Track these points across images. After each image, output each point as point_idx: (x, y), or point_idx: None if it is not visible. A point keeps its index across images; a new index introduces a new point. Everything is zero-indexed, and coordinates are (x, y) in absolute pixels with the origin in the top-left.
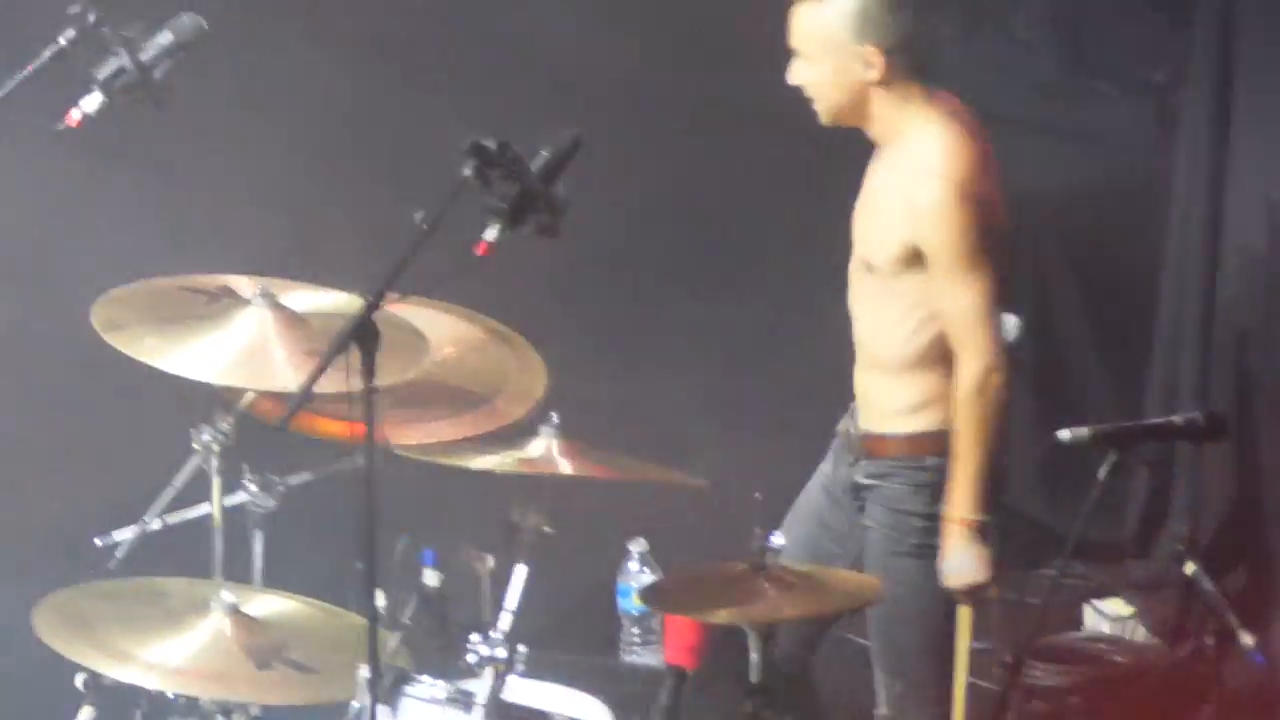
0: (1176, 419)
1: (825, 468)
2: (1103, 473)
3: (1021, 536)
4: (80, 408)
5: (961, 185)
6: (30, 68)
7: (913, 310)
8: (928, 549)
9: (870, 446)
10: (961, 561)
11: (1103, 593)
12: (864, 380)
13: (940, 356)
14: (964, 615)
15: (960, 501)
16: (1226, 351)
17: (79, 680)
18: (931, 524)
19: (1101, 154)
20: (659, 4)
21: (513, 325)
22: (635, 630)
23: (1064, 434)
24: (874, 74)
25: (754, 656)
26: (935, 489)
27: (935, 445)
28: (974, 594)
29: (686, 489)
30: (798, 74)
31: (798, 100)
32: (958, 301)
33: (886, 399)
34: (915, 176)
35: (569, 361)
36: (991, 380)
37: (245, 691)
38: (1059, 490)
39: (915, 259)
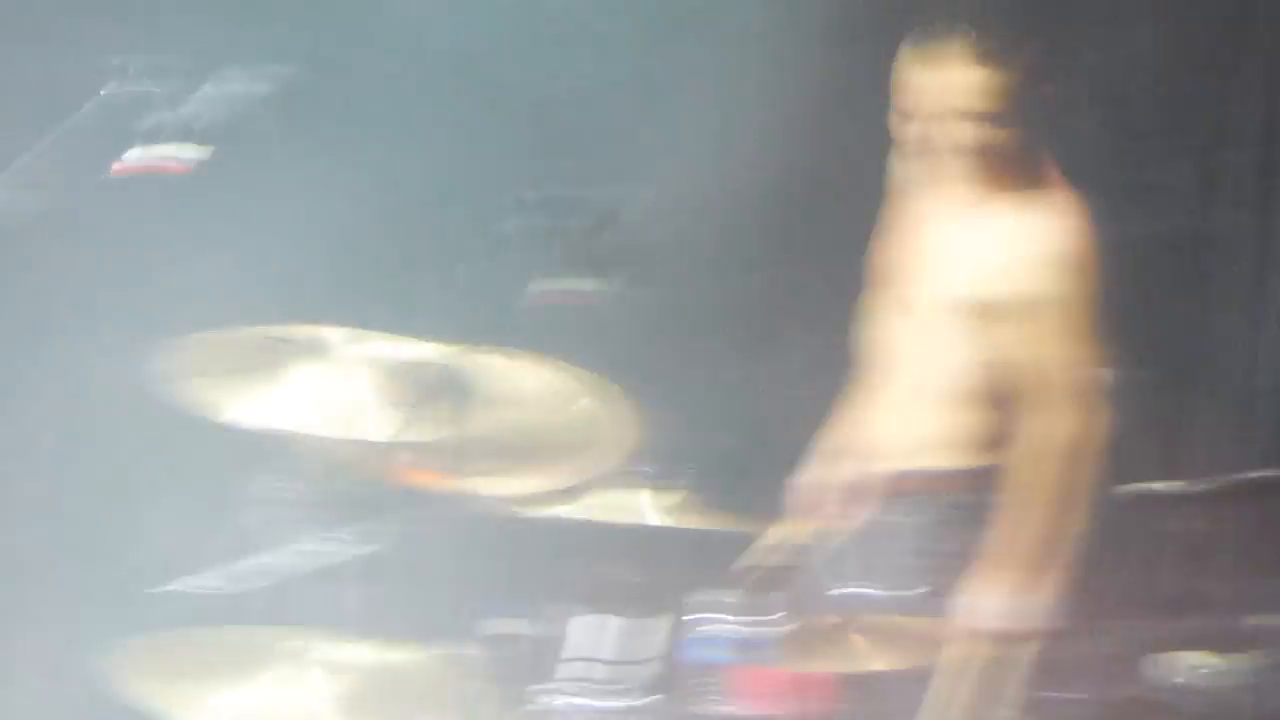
0: None
1: None
2: None
3: None
4: (161, 453)
5: (1088, 246)
6: (70, 120)
7: (979, 351)
8: (948, 588)
9: (894, 484)
10: (996, 603)
11: None
12: (898, 418)
13: (985, 400)
14: None
15: (1007, 549)
16: None
17: None
18: (951, 562)
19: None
20: None
21: (605, 375)
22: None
23: None
24: (1027, 118)
25: None
26: (955, 526)
27: (959, 481)
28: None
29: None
30: (966, 134)
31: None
32: (1064, 355)
33: (920, 437)
34: (1033, 227)
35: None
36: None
37: None
38: None
39: (1006, 305)
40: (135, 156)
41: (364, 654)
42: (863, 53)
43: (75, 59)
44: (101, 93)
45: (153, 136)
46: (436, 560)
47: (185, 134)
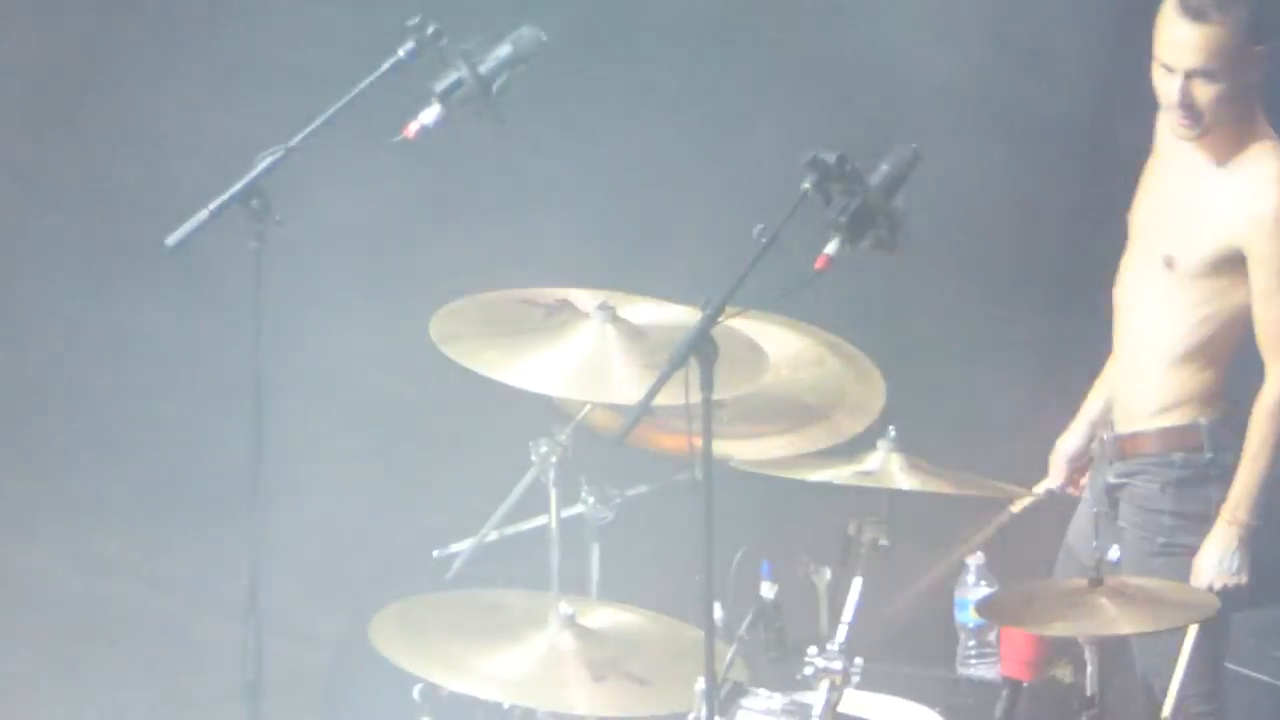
0: None
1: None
2: None
3: None
4: (419, 420)
5: None
6: (369, 79)
7: (1201, 308)
8: (1179, 548)
9: (1124, 446)
10: (1222, 559)
11: None
12: (1128, 379)
13: (1209, 358)
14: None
15: (1237, 501)
16: None
17: (416, 691)
18: (1180, 522)
19: None
20: (985, 14)
21: (851, 339)
22: (971, 643)
23: None
24: (1257, 75)
25: (1090, 669)
26: (1183, 485)
27: (1185, 440)
28: (1225, 595)
29: (1024, 502)
30: (1199, 94)
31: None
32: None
33: (1147, 398)
34: (1257, 184)
35: (908, 375)
36: None
37: (581, 703)
38: None
39: (1229, 262)
40: (430, 116)
41: (613, 616)
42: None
43: (373, 19)
44: (400, 53)
45: (447, 95)
46: (684, 523)
47: (482, 94)
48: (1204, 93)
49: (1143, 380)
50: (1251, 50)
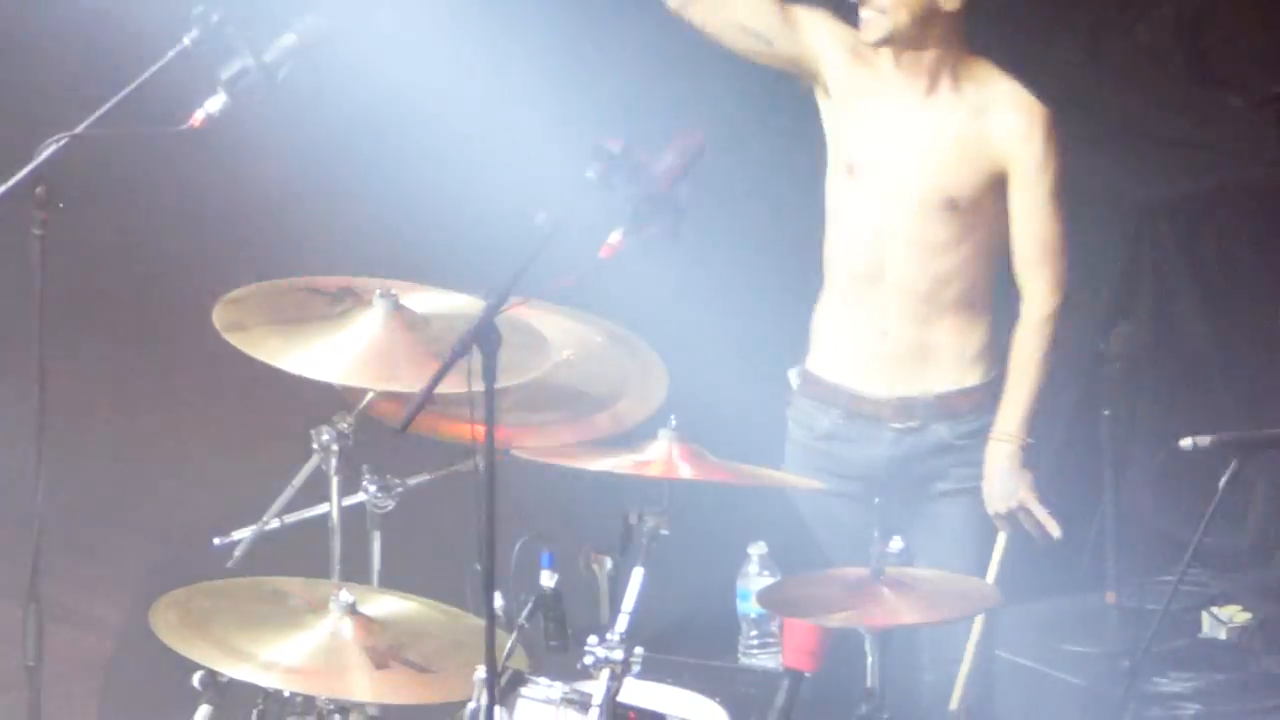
0: None
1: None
2: (1223, 481)
3: (1141, 543)
4: (201, 407)
5: (1050, 118)
6: (154, 67)
7: (988, 245)
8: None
9: (951, 404)
10: (1010, 483)
11: (1221, 600)
12: (925, 333)
13: (992, 300)
14: (1000, 542)
15: (1011, 423)
16: None
17: (196, 679)
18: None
19: (1225, 165)
20: None
21: (633, 329)
22: (753, 634)
23: (1185, 442)
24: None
25: (870, 660)
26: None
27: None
28: (1017, 518)
29: (805, 492)
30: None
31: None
32: (1044, 225)
33: (957, 349)
34: (1004, 105)
35: (689, 364)
36: (1057, 312)
37: (362, 691)
38: (1180, 497)
39: (998, 186)
40: (216, 105)
41: (394, 604)
42: None
43: (158, 7)
44: (185, 40)
45: (233, 84)
46: (465, 511)
47: (267, 82)
48: None
49: (951, 333)
50: None
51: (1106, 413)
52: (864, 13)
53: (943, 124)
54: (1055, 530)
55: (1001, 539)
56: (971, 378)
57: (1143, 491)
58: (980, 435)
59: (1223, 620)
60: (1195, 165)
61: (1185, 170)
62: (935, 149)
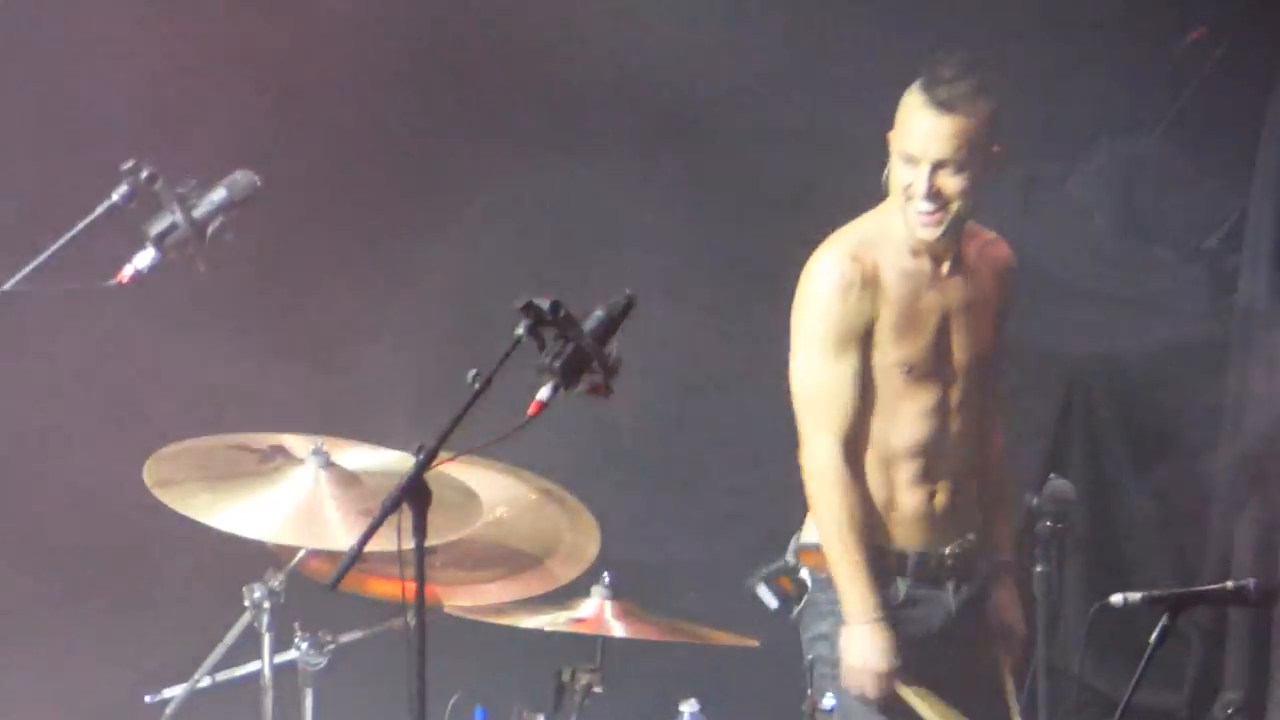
0: (1229, 584)
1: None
2: (1154, 637)
3: (1072, 700)
4: (133, 564)
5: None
6: (83, 223)
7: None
8: None
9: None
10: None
11: None
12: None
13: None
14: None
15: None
16: None
17: None
18: None
19: (1157, 319)
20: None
21: (565, 486)
22: None
23: (1116, 598)
24: (994, 175)
25: None
26: None
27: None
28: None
29: (739, 649)
30: (945, 184)
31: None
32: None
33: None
34: (1008, 270)
35: (622, 522)
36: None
37: None
38: (1111, 654)
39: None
40: (145, 260)
41: None
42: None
43: (88, 162)
44: (114, 196)
45: (161, 239)
46: (397, 669)
47: (196, 238)
48: (950, 184)
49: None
50: (991, 148)
51: (1038, 569)
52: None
53: None
54: None
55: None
56: None
57: (1074, 648)
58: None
59: None
60: (1126, 319)
61: (1116, 325)
62: None
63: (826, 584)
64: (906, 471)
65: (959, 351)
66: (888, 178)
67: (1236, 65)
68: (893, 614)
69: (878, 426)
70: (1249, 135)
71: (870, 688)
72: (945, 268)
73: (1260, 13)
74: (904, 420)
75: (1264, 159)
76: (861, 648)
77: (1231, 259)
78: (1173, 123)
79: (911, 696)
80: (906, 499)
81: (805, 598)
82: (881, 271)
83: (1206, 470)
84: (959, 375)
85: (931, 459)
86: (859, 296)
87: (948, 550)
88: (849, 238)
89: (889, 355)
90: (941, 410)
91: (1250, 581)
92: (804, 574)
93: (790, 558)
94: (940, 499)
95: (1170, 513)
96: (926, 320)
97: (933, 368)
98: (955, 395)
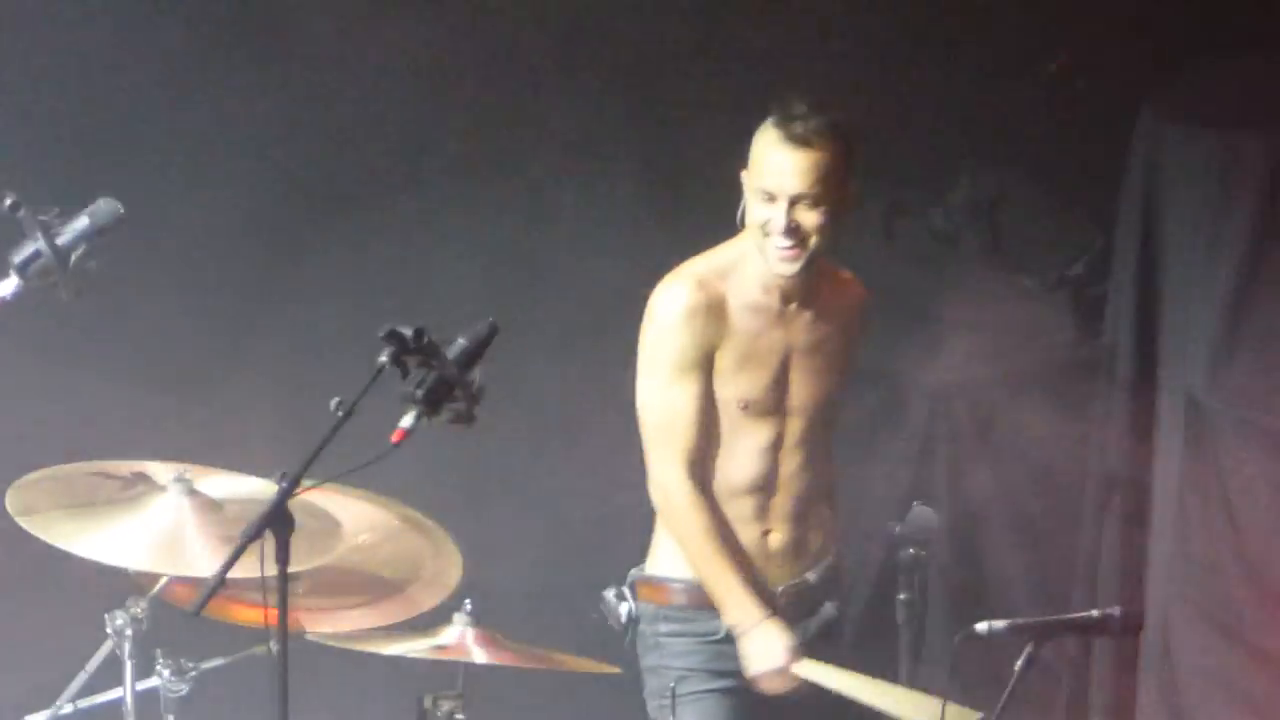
0: (1094, 613)
1: None
2: (1018, 665)
3: None
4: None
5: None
6: None
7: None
8: None
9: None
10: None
11: None
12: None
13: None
14: None
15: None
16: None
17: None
18: None
19: (1020, 348)
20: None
21: (428, 513)
22: None
23: (981, 626)
24: (849, 212)
25: None
26: None
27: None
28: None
29: (602, 676)
30: (804, 219)
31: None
32: None
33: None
34: (860, 311)
35: (485, 550)
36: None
37: None
38: (977, 685)
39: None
40: (7, 288)
41: None
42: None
43: None
44: None
45: (25, 268)
46: (260, 695)
47: (60, 266)
48: (808, 218)
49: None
50: (847, 185)
51: (901, 596)
52: None
53: None
54: None
55: None
56: None
57: (939, 678)
58: None
59: None
60: (988, 348)
61: (979, 353)
62: None
63: (654, 617)
64: (742, 508)
65: (799, 391)
66: (743, 213)
67: (1099, 94)
68: (720, 648)
69: (718, 461)
70: (1112, 165)
71: (784, 683)
72: (793, 306)
73: (1122, 42)
74: (740, 456)
75: (1128, 188)
76: (760, 650)
77: (1095, 288)
78: (1035, 151)
79: (811, 670)
80: (743, 535)
81: (636, 630)
82: (728, 301)
83: (1072, 498)
84: (797, 414)
85: (766, 497)
86: (704, 323)
87: (780, 589)
88: (698, 267)
89: (727, 388)
90: (775, 448)
91: (1116, 609)
92: (628, 606)
93: (625, 588)
94: (776, 538)
95: (1034, 540)
96: (767, 358)
97: (771, 406)
98: (792, 434)
